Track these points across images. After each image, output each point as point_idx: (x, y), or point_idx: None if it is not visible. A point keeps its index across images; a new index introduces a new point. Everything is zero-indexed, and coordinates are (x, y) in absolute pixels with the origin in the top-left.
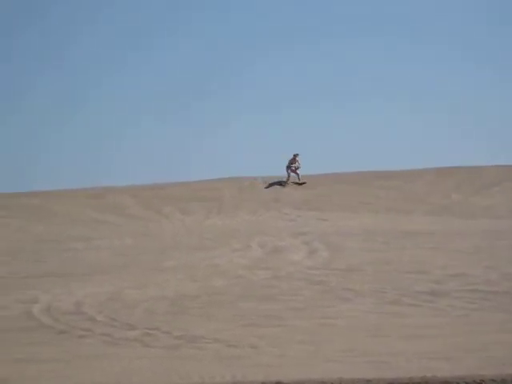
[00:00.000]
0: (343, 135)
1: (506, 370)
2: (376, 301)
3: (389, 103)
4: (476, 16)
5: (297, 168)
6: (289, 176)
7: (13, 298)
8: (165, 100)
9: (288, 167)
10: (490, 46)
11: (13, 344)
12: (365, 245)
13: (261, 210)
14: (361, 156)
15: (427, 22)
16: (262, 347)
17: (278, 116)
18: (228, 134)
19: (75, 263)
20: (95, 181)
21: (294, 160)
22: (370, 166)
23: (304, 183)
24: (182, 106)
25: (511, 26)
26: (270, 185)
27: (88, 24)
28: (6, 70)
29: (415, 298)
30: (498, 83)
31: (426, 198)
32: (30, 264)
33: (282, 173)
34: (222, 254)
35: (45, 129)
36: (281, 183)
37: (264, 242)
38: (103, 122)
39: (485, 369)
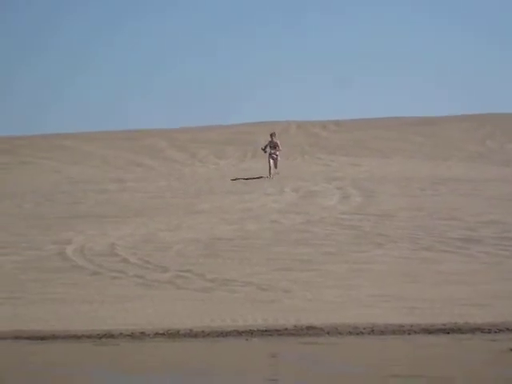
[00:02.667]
0: (380, 80)
1: None
2: (409, 247)
3: (428, 47)
4: None
5: (274, 152)
6: (270, 166)
7: (47, 238)
8: (211, 38)
9: (265, 150)
10: None
11: (47, 284)
12: (399, 191)
13: (295, 155)
14: (398, 101)
15: None
16: (294, 291)
17: (314, 61)
18: (262, 79)
19: (109, 205)
20: (131, 123)
21: (272, 142)
22: (406, 112)
23: (276, 174)
24: (227, 45)
25: None
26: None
27: None
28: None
29: (449, 245)
30: None
31: (462, 144)
32: (64, 205)
33: (315, 117)
34: (255, 198)
35: (79, 68)
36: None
37: (297, 187)
38: (138, 62)
39: None
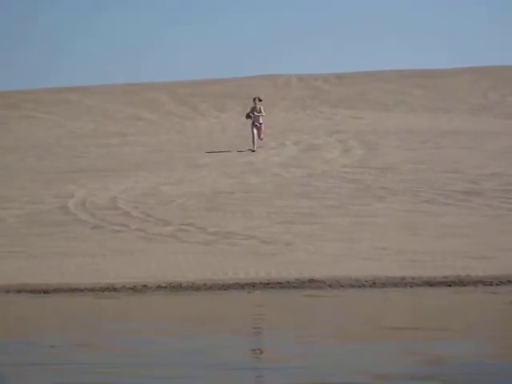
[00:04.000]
0: (381, 32)
1: None
2: (411, 199)
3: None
4: None
5: (257, 120)
6: (254, 136)
7: (49, 192)
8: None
9: (250, 116)
10: None
11: (49, 238)
12: (401, 143)
13: (296, 108)
14: (399, 54)
15: None
16: (296, 244)
17: (316, 13)
18: (263, 31)
19: (111, 159)
20: (131, 76)
21: (255, 108)
22: (407, 65)
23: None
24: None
25: None
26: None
27: None
28: None
29: (450, 197)
30: None
31: (464, 97)
32: (66, 159)
33: (317, 70)
34: (257, 151)
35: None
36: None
37: (299, 140)
38: (142, 17)
39: None
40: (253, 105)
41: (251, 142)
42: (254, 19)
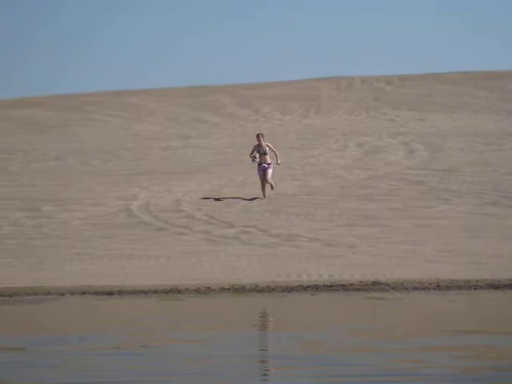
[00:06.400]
0: (446, 33)
1: None
2: (475, 202)
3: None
4: None
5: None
6: (262, 182)
7: (113, 195)
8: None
9: (254, 157)
10: None
11: (114, 240)
12: (465, 146)
13: (359, 110)
14: (462, 56)
15: None
16: (359, 246)
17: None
18: (325, 33)
19: (174, 161)
20: (194, 79)
21: (260, 146)
22: (471, 67)
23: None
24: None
25: None
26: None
27: None
28: None
29: None
30: None
31: None
32: (129, 162)
33: (379, 72)
34: (319, 153)
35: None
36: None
37: (362, 142)
38: (205, 19)
39: None
40: (257, 142)
41: (261, 189)
42: (318, 22)
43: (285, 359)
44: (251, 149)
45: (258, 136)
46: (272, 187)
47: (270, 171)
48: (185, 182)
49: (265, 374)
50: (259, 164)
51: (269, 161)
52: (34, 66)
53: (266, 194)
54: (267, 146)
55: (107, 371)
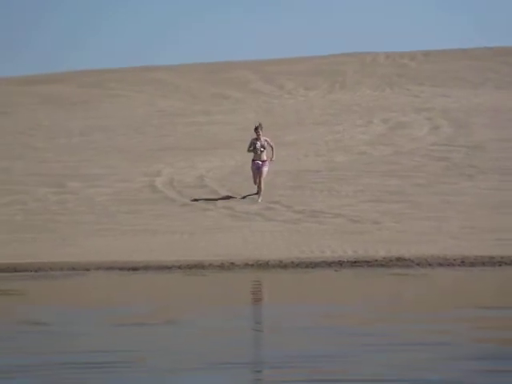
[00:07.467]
0: (470, 8)
1: None
2: (500, 178)
3: None
4: None
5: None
6: (256, 180)
7: (137, 170)
8: None
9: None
10: None
11: (138, 216)
12: (489, 122)
13: (383, 86)
14: (486, 31)
15: None
16: (384, 223)
17: None
18: (349, 9)
19: (198, 137)
20: (217, 55)
21: (258, 139)
22: (495, 42)
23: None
24: None
25: None
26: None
27: None
28: None
29: None
30: None
31: None
32: (153, 138)
33: (402, 47)
34: (344, 129)
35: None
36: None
37: (386, 118)
38: None
39: None
40: (255, 136)
41: (257, 189)
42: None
43: (311, 329)
44: (248, 143)
45: (256, 129)
46: (260, 190)
47: (264, 169)
48: (208, 158)
49: (290, 344)
50: (253, 160)
51: (264, 158)
52: (55, 42)
53: (254, 197)
54: (265, 140)
55: (133, 344)
